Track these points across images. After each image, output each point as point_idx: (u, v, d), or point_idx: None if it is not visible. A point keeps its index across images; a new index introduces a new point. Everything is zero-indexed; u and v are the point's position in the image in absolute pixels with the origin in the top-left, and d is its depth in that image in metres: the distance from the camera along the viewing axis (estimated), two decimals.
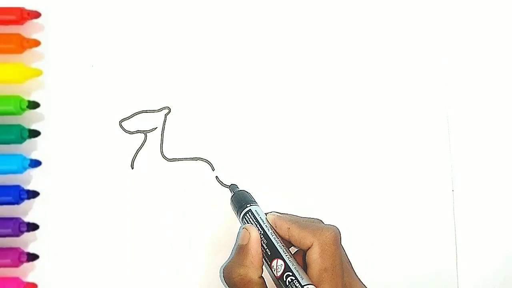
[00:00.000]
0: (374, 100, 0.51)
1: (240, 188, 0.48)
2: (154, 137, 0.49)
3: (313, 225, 0.42)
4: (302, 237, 0.41)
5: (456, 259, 0.49)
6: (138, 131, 0.49)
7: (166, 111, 0.50)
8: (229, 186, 0.48)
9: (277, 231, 0.43)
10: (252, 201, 0.46)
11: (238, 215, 0.46)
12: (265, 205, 0.48)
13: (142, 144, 0.49)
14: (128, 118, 0.49)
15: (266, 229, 0.43)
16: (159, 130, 0.49)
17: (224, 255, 0.47)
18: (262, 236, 0.43)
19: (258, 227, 0.43)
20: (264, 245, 0.42)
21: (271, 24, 0.52)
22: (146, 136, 0.49)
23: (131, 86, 0.50)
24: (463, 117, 0.51)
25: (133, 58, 0.50)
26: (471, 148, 0.51)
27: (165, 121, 0.50)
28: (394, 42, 0.52)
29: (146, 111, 0.50)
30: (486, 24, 0.53)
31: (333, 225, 0.42)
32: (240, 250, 0.42)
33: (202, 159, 0.49)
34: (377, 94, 0.51)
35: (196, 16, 0.51)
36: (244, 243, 0.42)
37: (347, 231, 0.48)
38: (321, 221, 0.44)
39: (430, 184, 0.50)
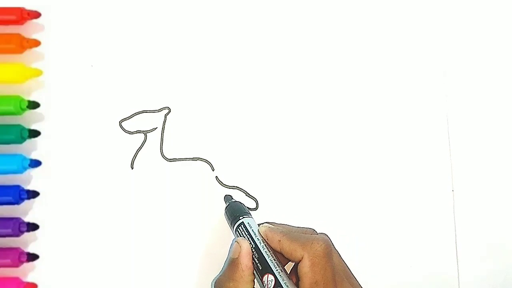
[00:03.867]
0: (375, 101, 0.51)
1: (235, 199, 0.47)
2: (154, 137, 0.49)
3: (304, 236, 0.41)
4: (293, 249, 0.40)
5: (457, 259, 0.49)
6: (138, 131, 0.49)
7: (166, 111, 0.50)
8: (224, 197, 0.48)
9: (269, 243, 0.42)
10: (246, 213, 0.45)
11: (232, 227, 0.45)
12: (265, 205, 0.49)
13: (142, 144, 0.49)
14: (128, 118, 0.49)
15: (258, 242, 0.42)
16: (159, 130, 0.49)
17: (222, 255, 0.47)
18: (253, 249, 0.42)
19: (250, 240, 0.43)
20: (255, 259, 0.42)
21: (271, 25, 0.52)
22: (146, 136, 0.49)
23: (131, 86, 0.50)
24: (463, 117, 0.51)
25: (133, 58, 0.50)
26: (471, 148, 0.51)
27: (165, 121, 0.50)
28: (395, 43, 0.52)
29: (146, 111, 0.50)
30: (486, 25, 0.53)
31: (324, 235, 0.41)
32: (231, 263, 0.42)
33: (202, 159, 0.49)
34: (377, 95, 0.51)
35: (196, 17, 0.51)
36: (235, 257, 0.41)
37: (347, 231, 0.48)
38: (314, 230, 0.44)
39: (430, 184, 0.50)
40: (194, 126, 0.50)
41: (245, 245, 0.42)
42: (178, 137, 0.49)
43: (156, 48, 0.51)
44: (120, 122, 0.49)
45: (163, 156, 0.49)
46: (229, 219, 0.46)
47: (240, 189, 0.49)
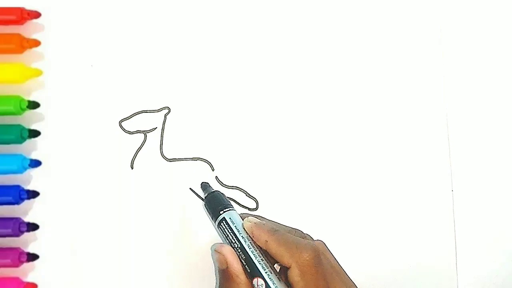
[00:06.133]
0: (374, 101, 0.51)
1: (213, 188, 0.45)
2: (154, 137, 0.49)
3: (292, 242, 0.39)
4: (280, 255, 0.39)
5: (456, 259, 0.49)
6: (138, 131, 0.49)
7: (166, 111, 0.50)
8: (201, 184, 0.46)
9: (255, 241, 0.40)
10: (227, 205, 0.43)
11: (213, 221, 0.43)
12: (265, 205, 0.49)
13: (142, 144, 0.49)
14: (128, 118, 0.49)
15: (243, 241, 0.40)
16: (159, 130, 0.49)
17: None
18: (239, 249, 0.40)
19: (234, 239, 0.41)
20: (242, 260, 0.40)
21: (271, 25, 0.52)
22: (146, 136, 0.49)
23: (131, 86, 0.50)
24: (463, 117, 0.51)
25: (133, 58, 0.50)
26: (470, 148, 0.51)
27: (165, 121, 0.50)
28: (393, 43, 0.52)
29: (146, 111, 0.50)
30: (485, 25, 0.53)
31: (313, 242, 0.40)
32: (223, 275, 0.40)
33: (202, 159, 0.49)
34: (377, 96, 0.51)
35: (195, 17, 0.51)
36: (224, 267, 0.40)
37: (347, 231, 0.48)
38: (302, 232, 0.43)
39: (430, 184, 0.50)
40: (194, 126, 0.50)
41: (227, 251, 0.40)
42: (178, 137, 0.49)
43: (156, 48, 0.51)
44: (120, 122, 0.49)
45: (163, 156, 0.49)
46: (208, 213, 0.43)
47: (240, 189, 0.49)
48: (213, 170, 0.49)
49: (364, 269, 0.48)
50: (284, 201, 0.49)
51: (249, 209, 0.48)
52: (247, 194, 0.49)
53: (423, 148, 0.50)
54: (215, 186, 0.48)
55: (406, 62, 0.52)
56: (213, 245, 0.43)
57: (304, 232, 0.44)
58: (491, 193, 0.50)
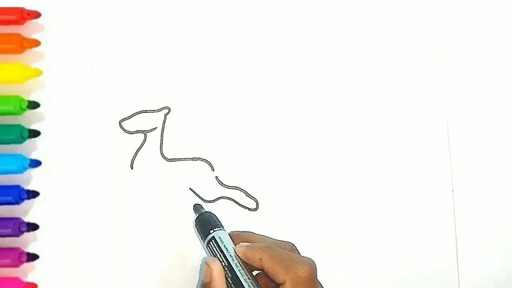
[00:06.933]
0: (374, 101, 0.51)
1: (205, 210, 0.46)
2: (154, 137, 0.49)
3: (286, 258, 0.39)
4: (275, 272, 0.38)
5: (457, 259, 0.49)
6: (138, 131, 0.49)
7: (166, 111, 0.50)
8: (193, 206, 0.47)
9: (249, 263, 0.40)
10: (217, 225, 0.43)
11: (202, 241, 0.44)
12: (265, 205, 0.49)
13: (142, 144, 0.49)
14: (128, 118, 0.49)
15: (230, 260, 0.40)
16: (159, 130, 0.49)
17: None
18: (226, 268, 0.40)
19: (222, 258, 0.41)
20: (228, 279, 0.40)
21: (271, 25, 0.52)
22: (146, 136, 0.49)
23: (131, 86, 0.50)
24: (463, 117, 0.51)
25: (133, 58, 0.50)
26: (470, 148, 0.51)
27: (164, 121, 0.50)
28: (394, 43, 0.52)
29: (146, 111, 0.50)
30: (485, 25, 0.53)
31: (308, 258, 0.39)
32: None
33: (202, 159, 0.49)
34: (376, 95, 0.51)
35: (195, 17, 0.51)
36: (207, 281, 0.40)
37: (347, 231, 0.48)
38: (294, 246, 0.42)
39: (430, 184, 0.50)
40: (194, 126, 0.50)
41: (216, 267, 0.40)
42: (178, 137, 0.49)
43: (156, 48, 0.51)
44: (120, 122, 0.49)
45: (163, 156, 0.49)
46: (199, 233, 0.44)
47: (240, 189, 0.49)
48: (213, 170, 0.49)
49: (364, 269, 0.48)
50: (284, 201, 0.49)
51: (249, 209, 0.48)
52: (247, 194, 0.49)
53: (423, 148, 0.50)
54: (215, 186, 0.48)
55: (406, 62, 0.52)
56: (204, 258, 0.42)
57: (294, 245, 0.43)
58: (491, 193, 0.50)
